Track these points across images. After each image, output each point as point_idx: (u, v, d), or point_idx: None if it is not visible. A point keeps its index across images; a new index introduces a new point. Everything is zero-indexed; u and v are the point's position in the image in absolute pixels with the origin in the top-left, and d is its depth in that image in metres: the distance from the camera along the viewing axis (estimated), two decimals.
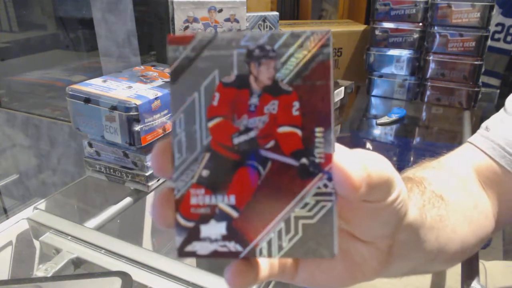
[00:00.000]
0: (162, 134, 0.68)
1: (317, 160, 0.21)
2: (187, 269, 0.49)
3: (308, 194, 0.21)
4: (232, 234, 0.21)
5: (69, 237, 0.55)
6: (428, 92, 1.15)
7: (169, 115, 0.68)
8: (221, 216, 0.21)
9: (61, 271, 0.50)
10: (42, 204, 0.65)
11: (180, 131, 0.21)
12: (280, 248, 0.21)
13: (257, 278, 0.24)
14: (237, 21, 0.91)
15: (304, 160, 0.21)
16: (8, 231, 0.59)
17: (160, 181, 0.69)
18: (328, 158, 0.21)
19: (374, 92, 1.22)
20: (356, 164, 0.21)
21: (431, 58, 1.10)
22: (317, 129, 0.21)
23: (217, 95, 0.21)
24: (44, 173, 1.45)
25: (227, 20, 0.89)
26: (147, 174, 0.66)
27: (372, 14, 1.16)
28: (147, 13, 1.13)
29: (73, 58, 1.58)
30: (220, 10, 0.88)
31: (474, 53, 1.05)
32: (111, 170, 0.69)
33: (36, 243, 0.60)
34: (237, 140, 0.21)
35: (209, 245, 0.21)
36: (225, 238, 0.21)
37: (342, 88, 1.09)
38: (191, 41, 0.21)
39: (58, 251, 0.53)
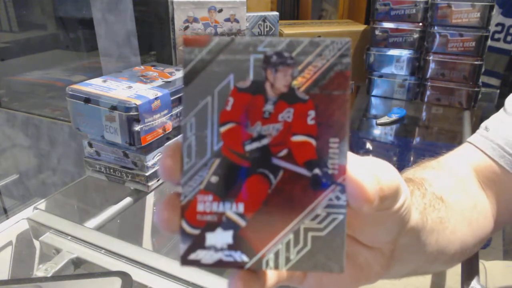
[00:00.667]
0: (162, 134, 0.68)
1: (330, 172, 0.20)
2: (187, 269, 0.49)
3: (320, 205, 0.20)
4: (239, 243, 0.21)
5: (69, 237, 0.55)
6: (428, 92, 1.15)
7: (169, 115, 0.68)
8: (228, 224, 0.21)
9: (61, 271, 0.50)
10: (42, 204, 0.65)
11: (190, 135, 0.20)
12: (288, 260, 0.21)
13: (264, 287, 0.23)
14: (237, 21, 0.91)
15: (317, 171, 0.20)
16: (8, 231, 0.59)
17: (160, 181, 0.69)
18: (342, 169, 0.20)
19: (374, 92, 1.22)
20: (370, 176, 0.20)
21: (431, 58, 1.10)
22: (332, 140, 0.20)
23: (231, 100, 0.20)
24: (44, 173, 1.45)
25: (227, 20, 0.89)
26: (147, 174, 0.66)
27: (372, 14, 1.16)
28: (147, 13, 1.13)
29: (73, 58, 1.58)
30: (220, 10, 0.88)
31: (474, 53, 1.05)
32: (111, 170, 0.69)
33: (36, 243, 0.60)
34: (249, 147, 0.21)
35: (214, 254, 0.21)
36: (231, 247, 0.21)
37: None
38: (208, 44, 0.20)
39: (58, 251, 0.53)
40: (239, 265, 0.21)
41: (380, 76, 1.20)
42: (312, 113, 0.20)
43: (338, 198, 0.20)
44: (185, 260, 0.21)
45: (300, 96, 0.20)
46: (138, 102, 0.62)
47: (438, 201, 0.35)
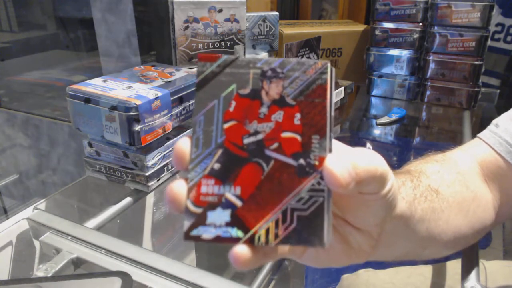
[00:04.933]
0: (162, 134, 0.68)
1: (312, 162, 0.24)
2: (187, 269, 0.49)
3: (304, 190, 0.24)
4: (235, 221, 0.24)
5: (69, 237, 0.55)
6: (428, 92, 1.15)
7: (169, 115, 0.68)
8: (227, 204, 0.24)
9: (61, 271, 0.50)
10: (42, 204, 0.65)
11: (199, 130, 0.25)
12: (276, 236, 0.24)
13: (265, 257, 0.26)
14: (237, 21, 0.91)
15: (301, 161, 0.25)
16: (8, 231, 0.59)
17: (160, 181, 0.69)
18: (322, 160, 0.24)
19: (374, 92, 1.22)
20: (344, 165, 0.24)
21: (431, 58, 1.10)
22: (314, 137, 0.25)
23: (233, 103, 0.25)
24: (44, 173, 1.45)
25: (227, 20, 0.89)
26: (147, 174, 0.66)
27: (372, 14, 1.16)
28: (147, 13, 1.13)
29: (73, 58, 1.58)
30: (220, 10, 0.88)
31: (474, 53, 1.05)
32: (111, 170, 0.69)
33: (36, 243, 0.60)
34: (247, 140, 0.25)
35: (213, 230, 0.24)
36: (228, 224, 0.24)
37: (342, 88, 1.09)
38: (217, 60, 0.25)
39: (58, 251, 0.53)
40: (234, 241, 0.24)
41: (380, 76, 1.20)
42: (298, 115, 0.25)
43: (319, 183, 0.24)
44: (187, 236, 0.24)
45: (289, 102, 0.25)
46: (138, 102, 0.62)
47: (432, 193, 0.37)
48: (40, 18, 1.65)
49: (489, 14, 1.01)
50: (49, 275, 0.49)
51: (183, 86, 0.71)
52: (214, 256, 0.87)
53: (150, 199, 0.82)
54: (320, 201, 0.24)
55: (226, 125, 0.25)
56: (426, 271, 0.61)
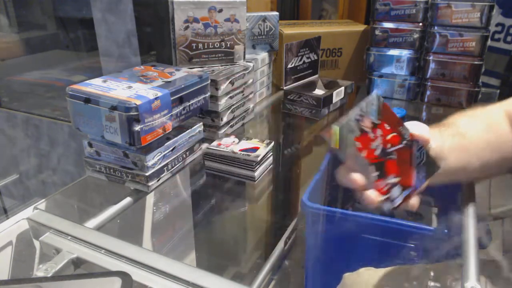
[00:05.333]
0: (162, 134, 0.68)
1: (409, 138, 0.48)
2: (187, 269, 0.49)
3: (416, 152, 0.48)
4: (402, 188, 0.47)
5: (69, 237, 0.55)
6: (428, 92, 1.15)
7: (169, 115, 0.68)
8: (394, 185, 0.47)
9: (61, 271, 0.50)
10: (42, 204, 0.65)
11: (357, 166, 0.47)
12: (421, 178, 0.48)
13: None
14: (237, 21, 0.91)
15: (406, 142, 0.48)
16: (8, 231, 0.59)
17: (160, 181, 0.69)
18: (411, 135, 0.48)
19: None
20: (425, 131, 0.49)
21: (431, 58, 1.10)
22: (399, 128, 0.48)
23: (357, 143, 0.45)
24: (44, 173, 1.45)
25: (227, 20, 0.89)
26: (147, 174, 0.66)
27: (372, 14, 1.16)
28: (147, 13, 1.13)
29: (73, 58, 1.58)
30: (220, 10, 0.88)
31: (474, 53, 1.05)
32: (111, 170, 0.69)
33: (36, 243, 0.60)
34: (378, 153, 0.46)
35: (397, 200, 0.47)
36: (400, 192, 0.47)
37: (342, 88, 1.09)
38: (336, 131, 0.45)
39: (58, 251, 0.53)
40: (407, 198, 0.48)
41: (380, 76, 1.20)
42: (386, 125, 0.47)
43: (418, 145, 0.48)
44: (394, 208, 0.47)
45: (377, 122, 0.47)
46: (138, 102, 0.62)
47: (458, 135, 0.53)
48: (40, 18, 1.65)
49: (489, 14, 1.01)
50: (49, 275, 0.49)
51: (183, 86, 0.71)
52: (214, 256, 0.87)
53: (150, 199, 0.82)
54: (424, 152, 0.48)
55: (364, 154, 0.45)
56: (426, 271, 0.61)
